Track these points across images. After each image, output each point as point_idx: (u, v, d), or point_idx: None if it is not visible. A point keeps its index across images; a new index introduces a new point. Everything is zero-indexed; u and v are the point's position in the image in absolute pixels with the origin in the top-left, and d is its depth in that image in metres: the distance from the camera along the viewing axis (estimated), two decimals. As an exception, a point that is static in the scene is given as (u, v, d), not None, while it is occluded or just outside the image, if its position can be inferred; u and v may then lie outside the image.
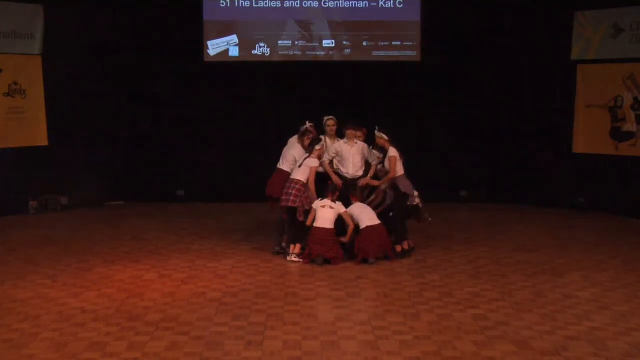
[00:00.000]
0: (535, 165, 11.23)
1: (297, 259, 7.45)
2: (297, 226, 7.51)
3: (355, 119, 8.66)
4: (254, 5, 11.24)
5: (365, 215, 7.48)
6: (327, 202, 7.48)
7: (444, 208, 10.80)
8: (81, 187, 10.94)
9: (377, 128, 7.92)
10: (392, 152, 7.72)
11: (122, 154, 11.40)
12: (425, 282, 6.72)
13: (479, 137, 11.50)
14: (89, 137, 11.03)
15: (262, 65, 11.39)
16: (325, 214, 7.42)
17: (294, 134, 8.57)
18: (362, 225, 7.40)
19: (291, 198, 7.49)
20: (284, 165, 7.97)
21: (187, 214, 10.75)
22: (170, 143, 11.52)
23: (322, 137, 8.21)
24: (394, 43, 11.33)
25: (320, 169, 7.84)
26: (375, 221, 7.45)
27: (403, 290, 6.47)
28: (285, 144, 8.76)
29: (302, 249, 7.50)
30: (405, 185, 7.78)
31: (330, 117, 8.33)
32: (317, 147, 7.77)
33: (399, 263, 7.46)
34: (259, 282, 6.70)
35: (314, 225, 7.40)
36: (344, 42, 11.33)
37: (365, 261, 7.35)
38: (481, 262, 7.53)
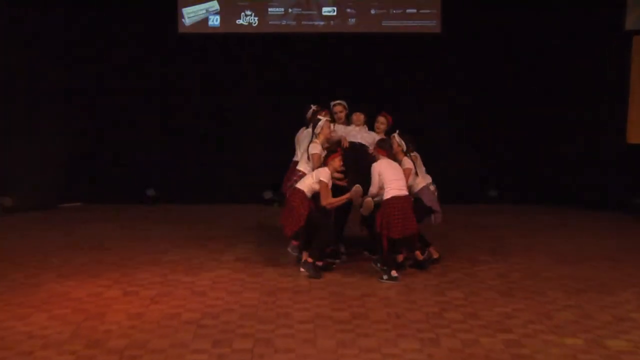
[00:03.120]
0: (580, 159, 11.22)
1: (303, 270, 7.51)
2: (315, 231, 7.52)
3: (361, 104, 8.65)
4: (239, -35, 11.25)
5: (392, 176, 7.27)
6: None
7: (469, 210, 10.77)
8: (30, 185, 10.93)
9: (397, 132, 7.88)
10: (408, 163, 7.67)
11: (79, 146, 11.37)
12: (446, 301, 6.70)
13: (512, 125, 11.49)
14: (41, 126, 10.99)
15: (249, 38, 11.36)
16: (306, 179, 7.49)
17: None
18: (388, 195, 7.24)
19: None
20: (302, 165, 7.98)
21: (159, 217, 10.72)
22: (139, 133, 11.50)
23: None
24: (408, 11, 11.30)
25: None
26: (404, 190, 7.34)
27: (419, 310, 6.46)
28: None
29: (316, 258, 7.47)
30: (430, 198, 7.82)
31: (339, 101, 8.33)
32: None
33: (414, 277, 7.45)
34: (245, 300, 6.68)
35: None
36: (348, 10, 11.31)
37: (392, 247, 7.26)
38: (514, 277, 7.52)
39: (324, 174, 7.46)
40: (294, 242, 7.97)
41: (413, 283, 7.27)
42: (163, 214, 10.92)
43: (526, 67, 11.38)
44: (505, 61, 11.39)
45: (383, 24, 11.33)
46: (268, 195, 11.53)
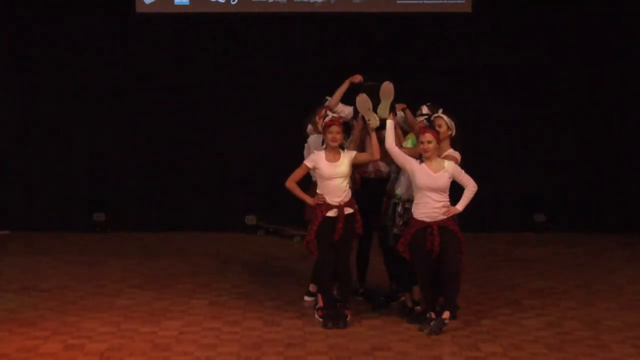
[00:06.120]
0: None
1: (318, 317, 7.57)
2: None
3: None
4: None
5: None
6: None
7: (510, 239, 10.74)
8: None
9: (441, 110, 7.77)
10: (454, 153, 7.69)
11: (6, 158, 11.40)
12: (481, 357, 6.70)
13: (564, 132, 11.52)
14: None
15: (224, 19, 11.40)
16: (334, 170, 7.35)
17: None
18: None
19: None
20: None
21: (110, 249, 10.70)
22: (84, 141, 11.52)
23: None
24: (431, -15, 11.40)
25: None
26: None
27: (446, 368, 6.46)
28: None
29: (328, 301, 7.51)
30: None
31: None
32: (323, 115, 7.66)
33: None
34: (222, 356, 6.67)
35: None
36: (353, -16, 11.39)
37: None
38: (568, 326, 7.50)
39: (311, 156, 7.48)
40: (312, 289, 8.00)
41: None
42: (115, 245, 10.90)
43: (583, 55, 11.41)
44: (553, 49, 11.41)
45: (398, 2, 11.37)
46: (251, 220, 11.51)
